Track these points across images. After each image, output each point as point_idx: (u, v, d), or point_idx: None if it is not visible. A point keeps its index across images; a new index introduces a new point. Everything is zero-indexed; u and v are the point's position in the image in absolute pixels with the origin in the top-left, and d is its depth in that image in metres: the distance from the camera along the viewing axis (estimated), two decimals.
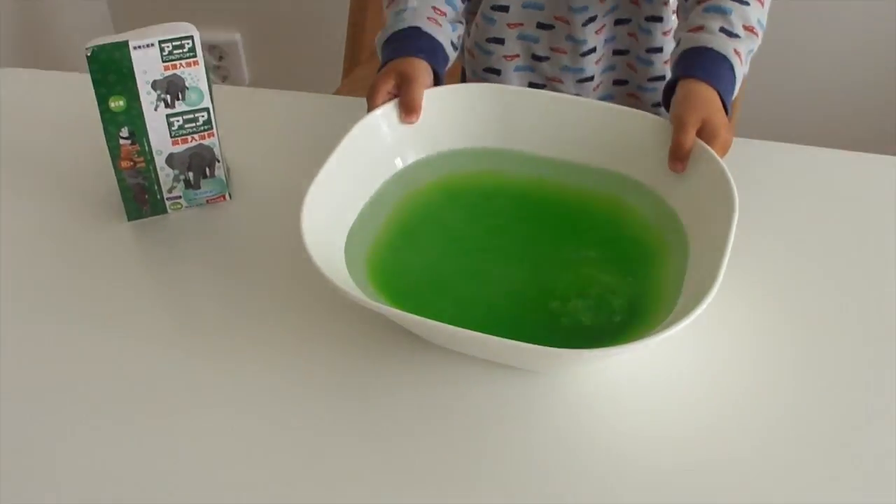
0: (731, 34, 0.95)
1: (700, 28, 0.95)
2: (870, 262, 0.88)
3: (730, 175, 0.82)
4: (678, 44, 0.98)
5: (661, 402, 0.76)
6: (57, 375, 0.80)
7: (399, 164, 0.94)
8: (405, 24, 0.99)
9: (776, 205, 0.94)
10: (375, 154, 0.92)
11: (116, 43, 0.88)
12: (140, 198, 0.94)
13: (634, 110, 0.94)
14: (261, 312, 0.85)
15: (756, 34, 0.97)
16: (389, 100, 0.94)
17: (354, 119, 0.90)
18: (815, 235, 0.92)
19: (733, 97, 0.95)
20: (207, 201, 0.96)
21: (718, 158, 0.85)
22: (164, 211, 0.96)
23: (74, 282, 0.89)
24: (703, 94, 0.91)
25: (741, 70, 0.95)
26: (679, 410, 0.75)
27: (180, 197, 0.95)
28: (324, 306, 0.84)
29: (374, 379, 0.78)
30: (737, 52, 0.94)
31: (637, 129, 0.92)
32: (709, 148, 0.86)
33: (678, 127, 0.88)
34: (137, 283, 0.90)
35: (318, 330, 0.83)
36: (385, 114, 0.93)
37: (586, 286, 0.84)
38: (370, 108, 0.94)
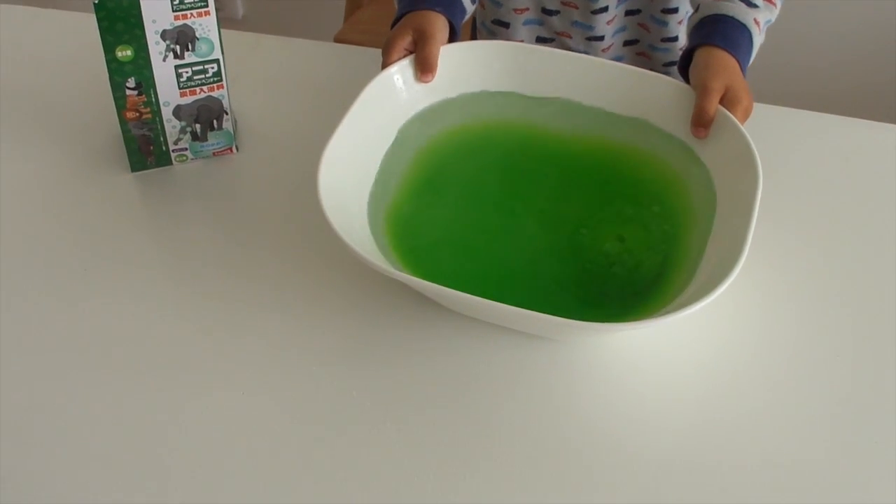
0: (750, 4, 0.94)
1: None
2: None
3: (755, 148, 0.80)
4: (696, 9, 0.96)
5: (678, 367, 0.76)
6: (57, 328, 0.79)
7: (414, 112, 0.91)
8: None
9: (798, 171, 0.93)
10: (390, 112, 0.89)
11: None
12: (145, 149, 0.92)
13: (654, 73, 0.92)
14: (268, 270, 0.84)
15: (774, 5, 0.97)
16: (405, 56, 0.92)
17: (362, 69, 0.88)
18: (835, 216, 0.91)
19: (748, 65, 0.93)
20: (214, 154, 0.95)
21: (744, 132, 0.83)
22: (170, 163, 0.94)
23: (75, 234, 0.88)
24: (725, 62, 0.90)
25: (758, 39, 0.94)
26: (696, 375, 0.76)
27: (186, 149, 0.93)
28: (333, 265, 0.83)
29: (387, 342, 0.77)
30: (756, 22, 0.94)
31: (660, 88, 0.90)
32: (734, 118, 0.84)
33: (702, 93, 0.87)
34: (141, 236, 0.89)
35: (328, 290, 0.82)
36: (400, 70, 0.91)
37: (609, 248, 0.83)
38: (385, 63, 0.91)
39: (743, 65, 0.91)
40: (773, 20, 0.97)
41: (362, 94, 0.86)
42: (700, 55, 0.91)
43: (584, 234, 0.85)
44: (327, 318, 0.80)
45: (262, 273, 0.83)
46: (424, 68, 0.90)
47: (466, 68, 0.92)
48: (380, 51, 0.92)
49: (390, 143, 0.88)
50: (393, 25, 0.96)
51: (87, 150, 0.95)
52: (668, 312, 0.70)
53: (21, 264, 0.85)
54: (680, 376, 0.76)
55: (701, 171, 0.85)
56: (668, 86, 0.90)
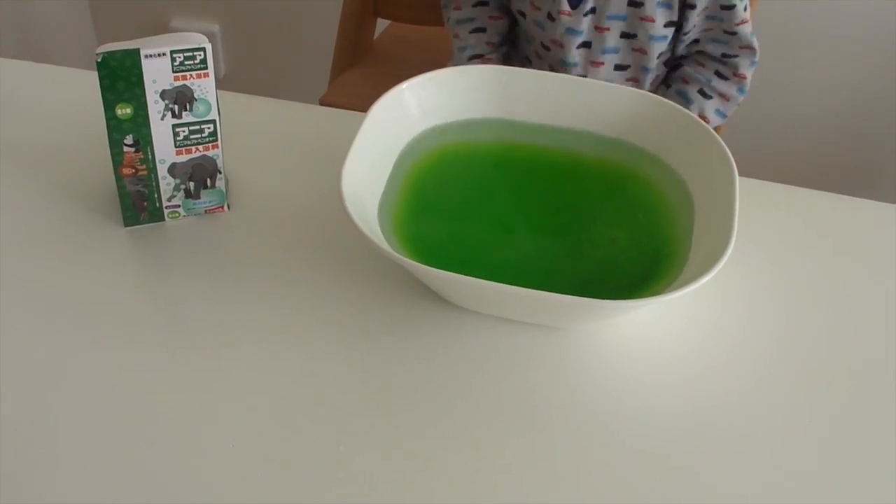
0: (706, 95, 1.18)
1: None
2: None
3: (728, 151, 0.90)
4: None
5: (675, 352, 0.86)
6: (50, 379, 0.80)
7: (420, 131, 0.98)
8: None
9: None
10: (399, 125, 0.96)
11: (127, 50, 0.87)
12: (139, 205, 0.94)
13: (633, 89, 1.01)
14: (258, 323, 0.86)
15: (709, 123, 1.19)
16: None
17: (351, 133, 0.91)
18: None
19: None
20: (206, 211, 0.96)
21: (718, 137, 0.92)
22: (162, 219, 0.96)
23: (68, 285, 0.89)
24: None
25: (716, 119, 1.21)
26: (690, 359, 0.85)
27: (179, 206, 0.95)
28: (321, 320, 0.86)
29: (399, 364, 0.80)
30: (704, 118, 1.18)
31: (639, 105, 0.98)
32: (709, 127, 0.93)
33: None
34: (132, 289, 0.90)
35: (320, 340, 0.84)
36: (410, 87, 0.96)
37: (602, 250, 0.91)
38: None
39: None
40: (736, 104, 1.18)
41: (374, 108, 0.92)
42: None
43: (577, 240, 0.93)
44: (319, 368, 0.82)
45: (251, 326, 0.85)
46: None
47: (465, 92, 1.00)
48: (363, 114, 0.95)
49: (397, 156, 0.95)
50: None
51: (81, 204, 0.97)
52: (667, 293, 0.77)
53: (13, 312, 0.86)
54: (677, 361, 0.85)
55: (673, 176, 0.94)
56: (645, 97, 0.99)
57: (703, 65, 1.23)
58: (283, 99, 1.14)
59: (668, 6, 1.17)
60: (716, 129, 1.26)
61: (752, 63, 1.22)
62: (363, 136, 0.90)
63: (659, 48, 1.20)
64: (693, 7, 1.17)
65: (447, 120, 0.99)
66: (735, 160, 0.89)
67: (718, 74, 1.23)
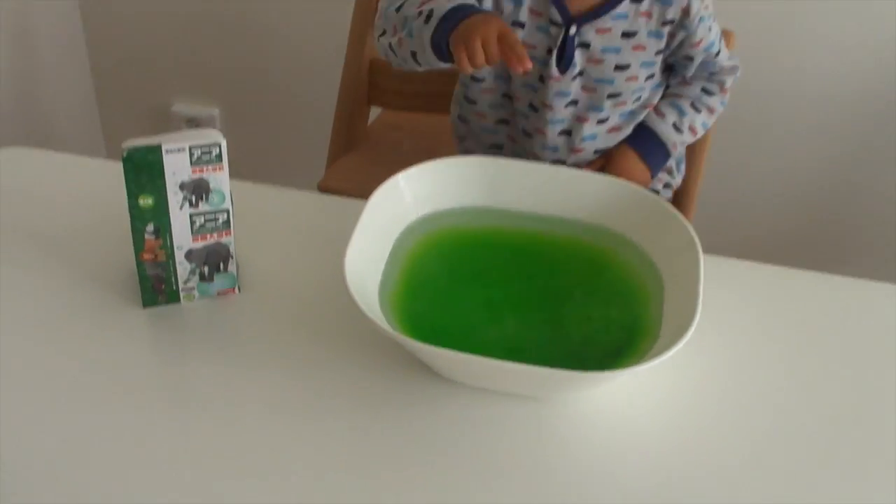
0: (678, 129, 1.33)
1: (661, 114, 1.32)
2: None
3: (694, 233, 0.99)
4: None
5: (650, 422, 0.93)
6: (69, 457, 0.87)
7: (414, 219, 1.08)
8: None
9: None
10: (395, 212, 1.05)
11: (150, 146, 0.96)
12: (157, 287, 1.02)
13: (608, 178, 1.11)
14: (264, 395, 0.94)
15: (696, 134, 1.35)
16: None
17: (351, 217, 1.00)
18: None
19: (658, 170, 1.35)
20: (218, 293, 1.05)
21: (685, 220, 1.02)
22: (178, 300, 1.04)
23: (91, 362, 0.97)
24: (634, 164, 1.32)
25: (674, 154, 1.36)
26: (665, 429, 0.93)
27: (194, 288, 1.03)
28: (323, 389, 0.94)
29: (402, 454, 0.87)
30: (674, 144, 1.34)
31: (613, 192, 1.09)
32: (677, 212, 1.03)
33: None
34: (150, 367, 0.98)
35: (327, 414, 0.92)
36: (406, 177, 1.06)
37: (580, 326, 1.00)
38: (491, 57, 1.07)
39: (653, 170, 1.32)
40: (689, 141, 1.36)
41: (373, 197, 1.02)
42: (620, 149, 1.30)
43: (558, 317, 1.01)
44: (330, 441, 0.89)
45: (260, 398, 0.93)
46: (524, 60, 1.05)
47: (456, 182, 1.09)
48: (362, 201, 1.04)
49: (394, 241, 1.04)
50: (441, 33, 1.12)
51: (103, 286, 1.05)
52: (642, 363, 0.86)
53: (39, 386, 0.94)
54: (653, 431, 0.92)
55: (644, 257, 1.05)
56: (618, 185, 1.09)
57: (689, 84, 1.34)
58: (280, 180, 1.23)
59: (651, 64, 1.27)
60: (700, 139, 1.39)
61: (736, 77, 1.34)
62: (364, 223, 0.99)
63: (643, 100, 1.31)
64: (691, 59, 1.28)
65: (439, 207, 1.08)
66: (709, 236, 0.98)
67: (705, 91, 1.34)
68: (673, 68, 1.32)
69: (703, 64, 1.30)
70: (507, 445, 0.90)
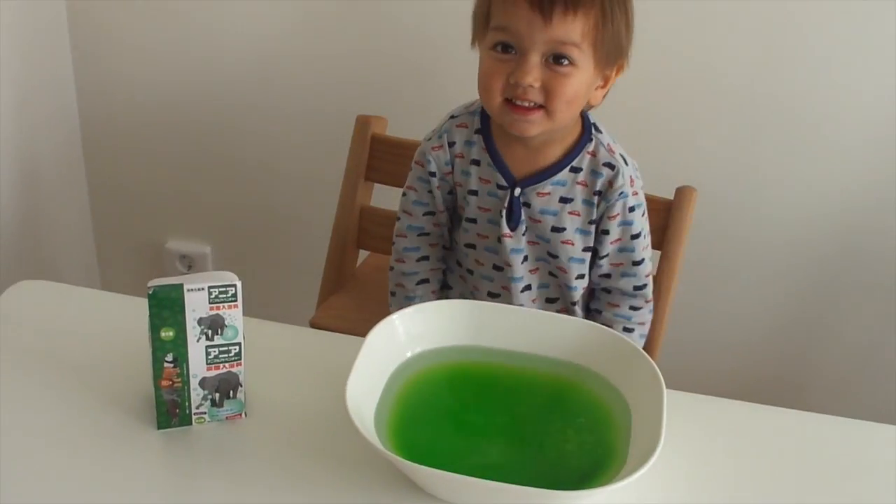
0: (629, 330, 1.47)
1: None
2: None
3: (657, 369, 1.11)
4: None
5: None
6: None
7: (408, 355, 1.19)
8: None
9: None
10: (390, 349, 1.16)
11: (174, 285, 1.08)
12: (172, 411, 1.12)
13: (580, 320, 1.26)
14: None
15: (644, 325, 1.48)
16: None
17: (346, 352, 1.11)
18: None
19: None
20: (227, 418, 1.15)
21: (649, 357, 1.14)
22: (190, 423, 1.14)
23: (109, 480, 1.06)
24: None
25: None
26: None
27: (205, 413, 1.14)
28: None
29: None
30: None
31: (585, 332, 1.21)
32: (644, 353, 1.15)
33: None
34: (164, 485, 1.08)
35: None
36: (400, 317, 1.18)
37: (556, 452, 1.11)
38: None
39: None
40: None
41: (371, 334, 1.14)
42: None
43: (536, 443, 1.13)
44: None
45: None
46: None
47: (445, 323, 1.21)
48: (356, 337, 1.16)
49: (389, 374, 1.15)
50: None
51: (121, 410, 1.15)
52: (611, 483, 0.98)
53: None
54: None
55: (613, 391, 1.16)
56: (591, 330, 1.21)
57: (617, 305, 1.47)
58: (270, 317, 1.34)
59: (586, 233, 1.41)
60: (663, 290, 1.53)
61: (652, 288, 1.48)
62: (362, 357, 1.10)
63: (578, 269, 1.43)
64: (607, 233, 1.40)
65: (430, 345, 1.20)
66: (678, 377, 1.10)
67: (633, 308, 1.47)
68: (596, 252, 1.44)
69: (626, 276, 1.45)
70: None
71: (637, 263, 1.43)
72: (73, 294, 1.40)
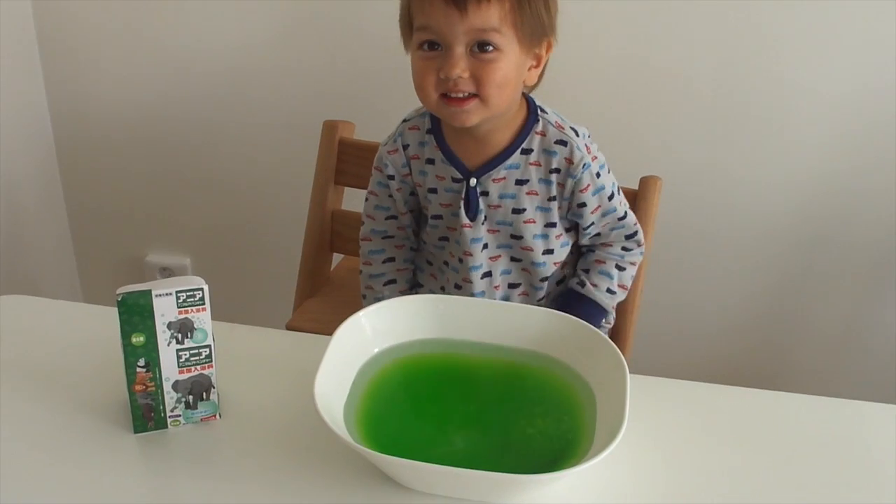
0: (612, 292, 1.49)
1: (595, 285, 1.48)
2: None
3: (621, 355, 1.14)
4: (576, 282, 1.44)
5: None
6: None
7: (375, 351, 1.22)
8: None
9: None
10: (357, 344, 1.19)
11: (142, 291, 1.10)
12: (147, 415, 1.15)
13: (544, 309, 1.26)
14: None
15: (626, 290, 1.52)
16: None
17: (317, 354, 1.14)
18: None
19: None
20: (202, 419, 1.18)
21: (613, 344, 1.17)
22: (165, 426, 1.16)
23: (87, 483, 1.09)
24: None
25: (610, 313, 1.52)
26: None
27: (180, 415, 1.16)
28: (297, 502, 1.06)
29: None
30: (612, 306, 1.50)
31: (548, 321, 1.24)
32: (606, 337, 1.18)
33: None
34: (141, 487, 1.10)
35: None
36: (366, 314, 1.21)
37: (522, 438, 1.13)
38: None
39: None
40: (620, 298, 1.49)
41: (338, 332, 1.16)
42: None
43: (503, 430, 1.15)
44: None
45: None
46: None
47: (410, 317, 1.24)
48: (328, 336, 1.18)
49: (357, 370, 1.18)
50: None
51: (98, 415, 1.17)
52: (577, 465, 1.00)
53: None
54: None
55: (578, 377, 1.19)
56: (554, 316, 1.24)
57: (610, 244, 1.49)
58: (249, 323, 1.36)
59: (547, 210, 1.44)
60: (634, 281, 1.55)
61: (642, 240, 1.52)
62: (330, 355, 1.13)
63: (542, 245, 1.46)
64: (584, 205, 1.43)
65: (396, 340, 1.23)
66: (646, 365, 1.12)
67: (625, 248, 1.50)
68: (578, 225, 1.47)
69: (616, 229, 1.48)
70: None
71: (622, 218, 1.48)
72: (51, 307, 1.42)
